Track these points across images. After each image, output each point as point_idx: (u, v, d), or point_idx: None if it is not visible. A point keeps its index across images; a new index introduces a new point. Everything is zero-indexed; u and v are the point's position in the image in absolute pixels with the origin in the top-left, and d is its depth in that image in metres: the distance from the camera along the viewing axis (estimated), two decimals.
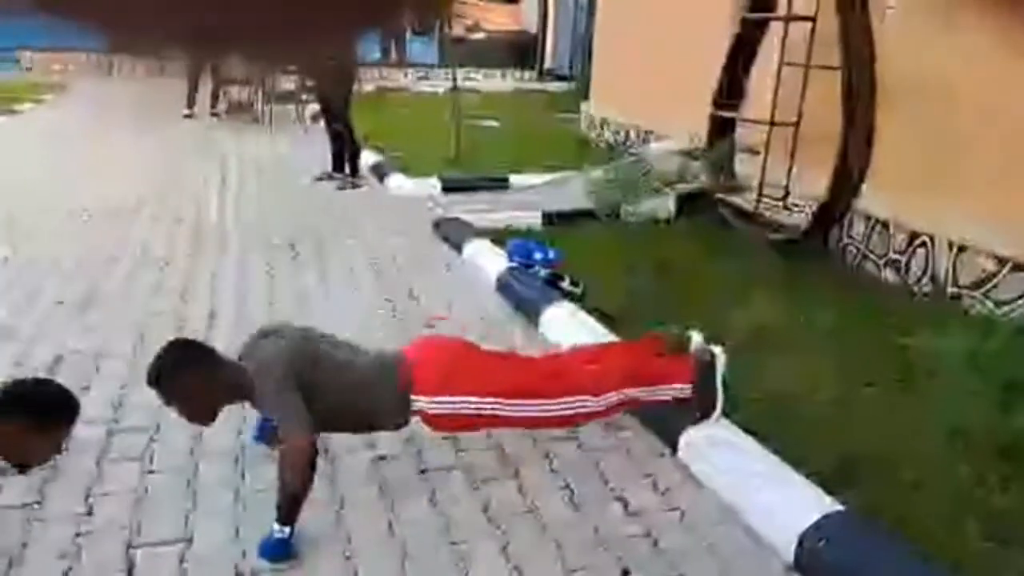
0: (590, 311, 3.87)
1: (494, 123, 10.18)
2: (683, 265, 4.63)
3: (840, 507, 2.36)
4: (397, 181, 6.99)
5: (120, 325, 3.85)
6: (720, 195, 5.65)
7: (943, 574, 2.12)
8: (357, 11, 0.37)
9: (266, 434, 2.73)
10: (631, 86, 7.96)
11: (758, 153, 5.42)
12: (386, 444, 2.84)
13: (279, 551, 2.26)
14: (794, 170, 5.19)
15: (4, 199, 5.99)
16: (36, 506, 2.47)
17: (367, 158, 7.56)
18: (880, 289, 4.47)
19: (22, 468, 2.20)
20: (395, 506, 2.55)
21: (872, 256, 4.71)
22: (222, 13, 0.33)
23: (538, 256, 4.59)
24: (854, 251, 4.85)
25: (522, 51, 16.50)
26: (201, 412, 2.45)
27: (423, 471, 2.74)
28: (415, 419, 2.60)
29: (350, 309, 4.15)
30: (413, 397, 2.53)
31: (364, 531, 2.42)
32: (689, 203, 5.84)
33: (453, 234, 5.35)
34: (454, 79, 8.10)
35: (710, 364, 2.81)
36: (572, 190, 6.27)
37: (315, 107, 8.51)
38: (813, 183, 4.85)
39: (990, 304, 3.92)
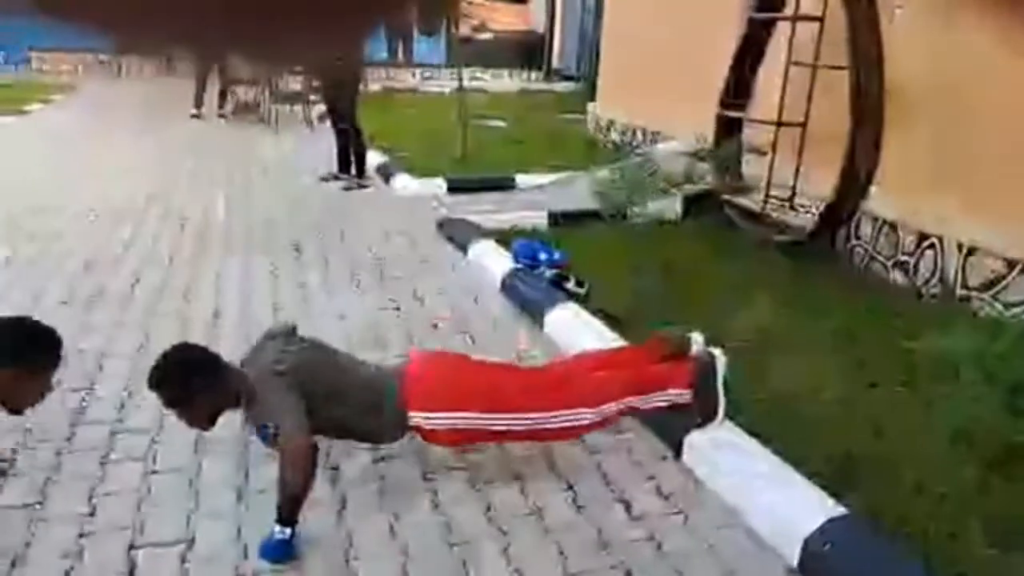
0: (595, 312, 3.85)
1: (501, 123, 10.17)
2: (689, 266, 4.61)
3: (844, 511, 2.34)
4: (403, 181, 6.98)
5: (125, 325, 3.86)
6: (727, 196, 5.62)
7: None
8: (362, 10, 0.37)
9: (268, 435, 2.72)
10: (638, 86, 7.95)
11: (765, 154, 5.40)
12: (387, 445, 2.84)
13: (280, 552, 2.25)
14: (801, 171, 5.17)
15: (11, 199, 6.02)
16: (39, 506, 2.47)
17: (373, 158, 7.56)
18: (888, 290, 4.44)
19: (15, 411, 2.22)
20: (396, 508, 2.54)
21: (880, 257, 4.69)
22: (225, 13, 0.32)
23: (543, 257, 4.58)
24: (862, 252, 4.82)
25: (529, 51, 16.47)
26: (201, 417, 2.46)
27: (425, 472, 2.73)
28: (412, 434, 2.62)
29: (354, 310, 4.15)
30: (411, 413, 2.54)
31: (365, 532, 2.41)
32: (696, 204, 5.82)
33: (458, 234, 5.35)
34: (460, 79, 8.08)
35: (711, 367, 2.79)
36: (578, 190, 6.26)
37: (322, 107, 8.51)
38: (820, 184, 4.82)
39: (999, 306, 3.89)
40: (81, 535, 2.35)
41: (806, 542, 2.27)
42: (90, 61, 14.61)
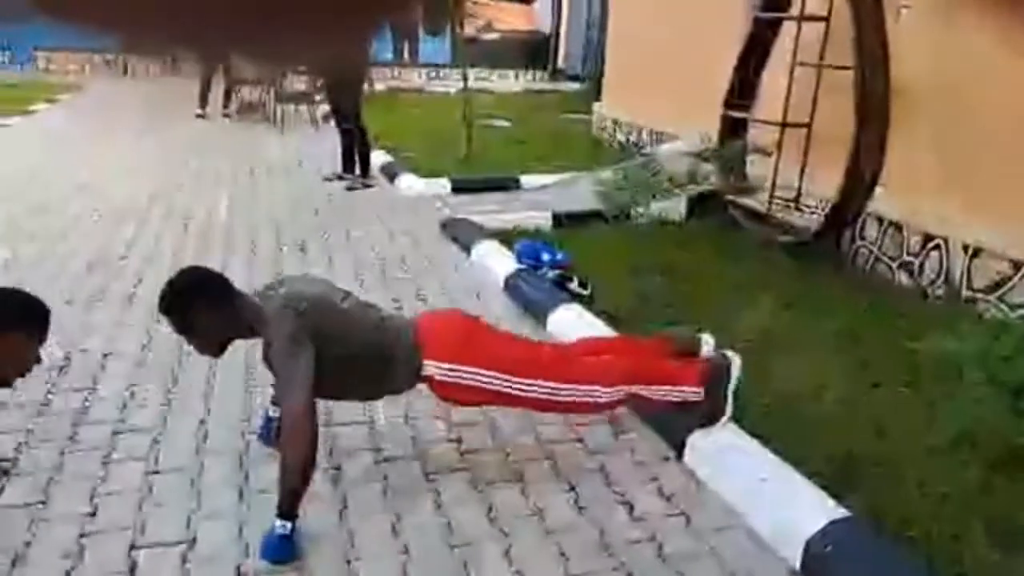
0: (598, 313, 3.85)
1: (506, 123, 10.17)
2: (693, 267, 4.60)
3: (847, 512, 2.33)
4: (407, 181, 6.98)
5: (127, 325, 3.87)
6: (731, 196, 5.61)
7: None
8: (367, 10, 0.36)
9: (270, 434, 2.73)
10: (643, 87, 7.94)
11: (770, 154, 5.38)
12: (390, 445, 2.84)
13: (280, 551, 2.24)
14: (806, 171, 5.15)
15: (15, 200, 6.03)
16: (40, 506, 2.47)
17: (378, 158, 7.56)
18: (893, 291, 4.42)
19: (5, 383, 2.21)
20: (398, 508, 2.53)
21: (885, 258, 4.67)
22: (229, 13, 0.32)
23: (546, 257, 4.58)
24: (867, 253, 4.80)
25: (535, 51, 16.48)
26: (211, 344, 2.46)
27: (427, 473, 2.73)
28: (421, 386, 2.60)
29: None
30: (424, 361, 2.52)
31: (367, 533, 2.41)
32: (700, 204, 5.80)
33: (462, 235, 5.34)
34: (466, 79, 8.09)
35: (725, 370, 2.78)
36: (582, 191, 6.25)
37: (326, 107, 8.52)
38: (825, 184, 4.81)
39: (1005, 307, 3.87)
40: (82, 535, 2.35)
41: (808, 544, 2.26)
42: (96, 61, 14.64)
